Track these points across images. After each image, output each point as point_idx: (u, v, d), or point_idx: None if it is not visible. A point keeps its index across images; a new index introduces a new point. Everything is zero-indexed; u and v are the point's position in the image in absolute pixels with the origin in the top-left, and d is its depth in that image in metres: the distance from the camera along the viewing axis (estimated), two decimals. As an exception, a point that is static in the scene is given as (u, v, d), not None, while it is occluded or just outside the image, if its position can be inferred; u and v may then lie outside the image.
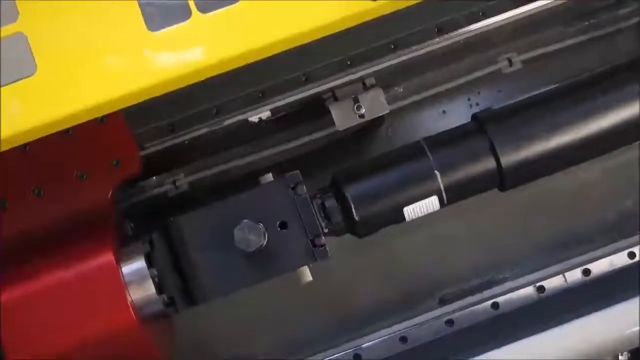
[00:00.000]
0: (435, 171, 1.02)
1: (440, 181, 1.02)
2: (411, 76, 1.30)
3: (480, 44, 1.26)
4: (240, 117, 1.20)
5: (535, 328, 1.08)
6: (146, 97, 0.83)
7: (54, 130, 0.83)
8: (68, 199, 1.05)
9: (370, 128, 1.27)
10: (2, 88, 0.80)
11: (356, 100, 1.17)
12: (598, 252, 1.18)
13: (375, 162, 1.09)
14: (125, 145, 1.07)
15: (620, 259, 1.16)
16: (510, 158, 1.03)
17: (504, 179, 1.04)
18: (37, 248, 1.01)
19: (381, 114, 1.18)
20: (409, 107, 1.31)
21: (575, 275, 1.16)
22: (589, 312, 1.08)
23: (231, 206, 1.00)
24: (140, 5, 0.81)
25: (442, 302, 1.22)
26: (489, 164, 1.03)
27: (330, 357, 1.17)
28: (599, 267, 1.16)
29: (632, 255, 1.16)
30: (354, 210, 1.02)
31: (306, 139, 1.28)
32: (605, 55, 1.29)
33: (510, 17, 1.23)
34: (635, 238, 1.18)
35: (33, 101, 0.81)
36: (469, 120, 1.09)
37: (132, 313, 0.95)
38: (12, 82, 0.80)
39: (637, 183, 1.25)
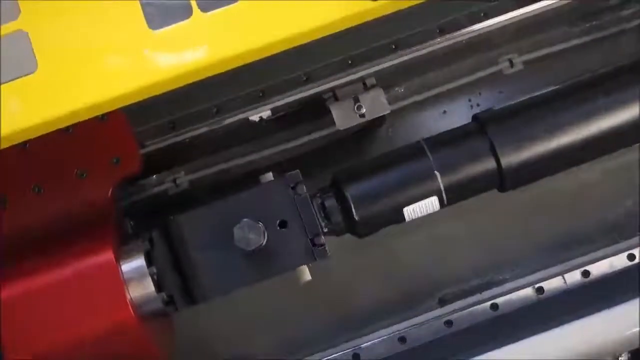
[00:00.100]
0: (436, 171, 1.02)
1: (441, 181, 1.02)
2: (412, 76, 1.30)
3: (482, 44, 1.26)
4: (241, 116, 1.20)
5: (535, 329, 1.08)
6: (147, 96, 0.84)
7: (54, 128, 0.83)
8: (68, 196, 1.05)
9: (370, 128, 1.27)
10: (3, 85, 0.80)
11: (357, 100, 1.18)
12: (598, 254, 1.18)
13: (375, 162, 1.09)
14: (125, 143, 1.07)
15: (619, 261, 1.16)
16: (510, 159, 1.03)
17: (504, 180, 1.04)
18: (37, 246, 1.01)
19: (382, 114, 1.18)
20: (410, 107, 1.31)
21: (574, 277, 1.16)
22: (588, 314, 1.08)
23: (231, 205, 1.00)
24: (141, 4, 0.81)
25: (442, 302, 1.22)
26: (489, 164, 1.03)
27: (329, 357, 1.17)
28: (599, 268, 1.16)
29: (631, 257, 1.16)
30: (354, 210, 1.02)
31: (306, 138, 1.29)
32: (608, 56, 1.29)
33: (512, 17, 1.23)
34: (635, 240, 1.18)
35: (33, 99, 0.81)
36: (470, 120, 1.09)
37: (131, 311, 0.95)
38: (12, 80, 0.80)
39: (637, 184, 1.25)
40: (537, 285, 1.16)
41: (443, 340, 1.14)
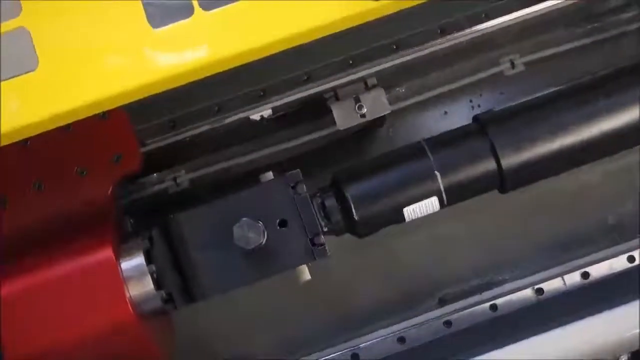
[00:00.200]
0: (436, 172, 1.02)
1: (441, 182, 1.02)
2: (413, 77, 1.30)
3: (483, 45, 1.26)
4: (242, 115, 1.20)
5: (534, 330, 1.08)
6: (148, 94, 0.84)
7: (54, 126, 0.83)
8: (68, 194, 1.05)
9: (371, 128, 1.27)
10: (3, 83, 0.80)
11: (358, 100, 1.18)
12: (597, 255, 1.18)
13: (375, 162, 1.09)
14: (126, 142, 1.07)
15: (619, 263, 1.16)
16: (510, 160, 1.03)
17: (504, 181, 1.04)
18: (36, 243, 1.01)
19: (382, 114, 1.18)
20: (411, 108, 1.31)
21: (574, 278, 1.16)
22: (587, 315, 1.07)
23: (231, 204, 1.00)
24: (142, 2, 0.81)
25: (441, 302, 1.22)
26: (490, 165, 1.03)
27: (328, 357, 1.17)
28: (598, 270, 1.16)
29: (631, 259, 1.16)
30: (353, 210, 1.02)
31: (307, 138, 1.29)
32: (609, 58, 1.29)
33: (513, 19, 1.23)
34: (635, 242, 1.18)
35: (34, 96, 0.81)
36: (470, 121, 1.09)
37: (131, 309, 0.95)
38: (13, 77, 0.80)
39: (637, 186, 1.25)
40: (536, 286, 1.16)
41: (442, 340, 1.14)
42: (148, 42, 0.81)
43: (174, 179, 1.27)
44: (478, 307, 1.16)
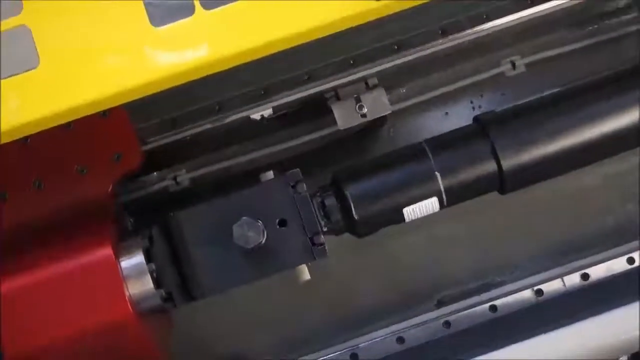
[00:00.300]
0: (436, 172, 1.02)
1: (441, 182, 1.02)
2: (414, 77, 1.30)
3: (484, 46, 1.26)
4: (243, 114, 1.20)
5: (533, 331, 1.08)
6: (148, 93, 0.84)
7: (55, 124, 0.83)
8: (68, 192, 1.05)
9: (372, 128, 1.27)
10: (4, 80, 0.80)
11: (358, 100, 1.18)
12: (597, 257, 1.18)
13: (376, 162, 1.08)
14: (126, 140, 1.08)
15: (619, 264, 1.16)
16: (511, 161, 1.02)
17: (504, 182, 1.04)
18: (36, 240, 1.02)
19: (383, 114, 1.18)
20: (412, 108, 1.30)
21: (573, 280, 1.16)
22: (587, 317, 1.07)
23: (231, 203, 1.00)
24: (144, 1, 0.81)
25: (440, 303, 1.22)
26: (490, 166, 1.03)
27: (327, 357, 1.17)
28: (598, 272, 1.16)
29: (631, 260, 1.16)
30: (353, 210, 1.02)
31: (307, 137, 1.28)
32: (610, 60, 1.29)
33: (514, 20, 1.23)
34: (635, 243, 1.18)
35: (35, 94, 0.81)
36: (471, 122, 1.09)
37: (130, 307, 0.95)
38: (14, 75, 0.80)
39: (637, 188, 1.25)
40: (536, 288, 1.16)
41: (441, 341, 1.14)
42: (149, 40, 0.81)
43: (174, 178, 1.27)
44: (477, 308, 1.16)
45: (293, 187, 1.01)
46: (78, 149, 1.06)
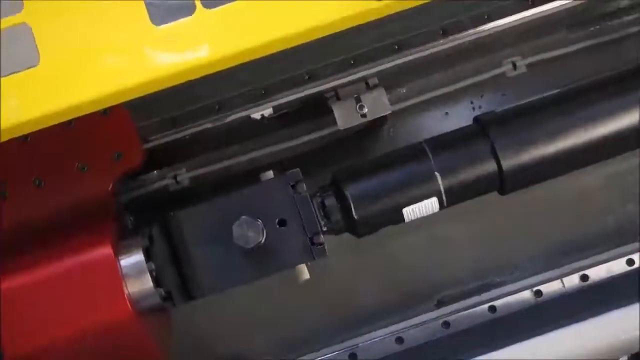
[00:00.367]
0: (436, 173, 1.02)
1: (441, 183, 1.02)
2: (415, 77, 1.30)
3: (485, 46, 1.26)
4: (243, 114, 1.20)
5: (532, 332, 1.08)
6: (149, 91, 0.84)
7: (56, 122, 0.83)
8: (69, 190, 1.05)
9: (372, 128, 1.27)
10: (5, 78, 0.80)
11: (359, 100, 1.18)
12: (597, 258, 1.18)
13: (376, 162, 1.08)
14: (127, 138, 1.08)
15: (618, 266, 1.16)
16: (511, 161, 1.02)
17: (504, 182, 1.04)
18: (36, 239, 1.02)
19: (383, 114, 1.18)
20: (412, 108, 1.30)
21: (573, 281, 1.16)
22: (586, 318, 1.07)
23: (231, 202, 1.00)
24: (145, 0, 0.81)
25: (440, 304, 1.22)
26: (490, 166, 1.03)
27: (326, 357, 1.17)
28: (597, 273, 1.16)
29: (630, 262, 1.16)
30: (353, 210, 1.02)
31: (308, 137, 1.28)
32: (611, 61, 1.29)
33: (516, 20, 1.23)
34: (635, 245, 1.18)
35: (35, 92, 0.81)
36: (471, 122, 1.09)
37: (129, 306, 0.96)
38: (15, 73, 0.80)
39: (638, 189, 1.25)
40: (535, 289, 1.16)
41: (440, 341, 1.14)
42: (150, 39, 0.81)
43: (175, 177, 1.27)
44: (477, 308, 1.16)
45: (293, 186, 1.01)
46: (79, 147, 1.06)
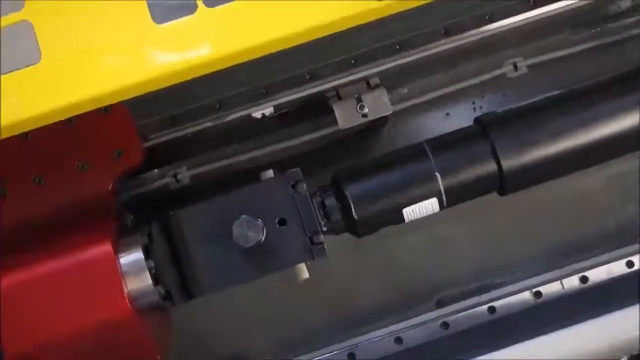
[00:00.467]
0: (436, 173, 1.02)
1: (441, 183, 1.02)
2: (416, 77, 1.30)
3: (486, 47, 1.26)
4: (244, 113, 1.20)
5: (531, 333, 1.08)
6: (150, 90, 0.84)
7: (56, 119, 0.83)
8: (68, 188, 1.05)
9: (372, 128, 1.27)
10: (6, 75, 0.80)
11: (359, 100, 1.17)
12: (596, 260, 1.19)
13: (376, 162, 1.08)
14: (127, 137, 1.08)
15: (618, 268, 1.16)
16: (511, 162, 1.02)
17: (504, 183, 1.04)
18: (36, 237, 1.02)
19: (384, 114, 1.18)
20: (413, 109, 1.30)
21: (572, 282, 1.16)
22: (585, 319, 1.08)
23: (231, 201, 1.00)
24: (146, -2, 0.82)
25: (440, 304, 1.22)
26: (490, 167, 1.03)
27: (325, 356, 1.17)
28: (597, 274, 1.16)
29: (630, 264, 1.16)
30: (353, 209, 1.02)
31: (308, 137, 1.28)
32: (612, 62, 1.29)
33: (517, 21, 1.23)
34: (635, 247, 1.18)
35: (36, 89, 0.81)
36: (472, 123, 1.09)
37: (128, 304, 0.96)
38: (16, 70, 0.80)
39: (638, 190, 1.25)
40: (534, 290, 1.16)
41: (439, 341, 1.14)
42: (151, 38, 0.82)
43: (175, 175, 1.27)
44: (476, 309, 1.16)
45: (293, 186, 1.01)
46: (79, 145, 1.06)
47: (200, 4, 0.81)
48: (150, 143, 1.19)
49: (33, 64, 0.80)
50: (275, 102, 1.19)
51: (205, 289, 1.00)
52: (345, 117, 1.17)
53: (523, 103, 1.12)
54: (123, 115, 1.07)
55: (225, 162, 1.28)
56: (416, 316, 1.19)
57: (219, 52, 0.82)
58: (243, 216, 0.96)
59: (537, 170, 1.04)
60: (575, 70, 1.29)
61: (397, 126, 1.31)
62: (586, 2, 1.23)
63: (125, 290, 0.96)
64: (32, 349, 0.96)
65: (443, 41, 1.22)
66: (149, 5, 0.81)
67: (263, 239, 0.97)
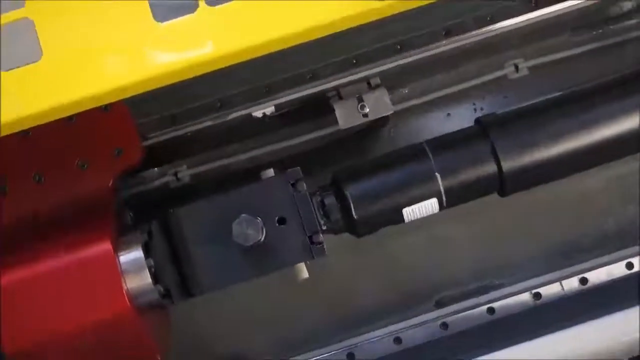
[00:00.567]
0: (436, 173, 1.02)
1: (441, 183, 1.02)
2: (417, 78, 1.30)
3: (488, 48, 1.26)
4: (244, 112, 1.20)
5: (530, 334, 1.08)
6: (151, 88, 0.84)
7: (57, 117, 0.83)
8: (68, 186, 1.05)
9: (373, 128, 1.27)
10: (7, 73, 0.80)
11: (360, 100, 1.17)
12: (596, 262, 1.18)
13: (376, 162, 1.08)
14: (128, 135, 1.08)
15: (618, 269, 1.16)
16: (511, 163, 1.02)
17: (504, 184, 1.04)
18: (36, 234, 1.02)
19: (385, 114, 1.18)
20: (414, 109, 1.30)
21: (572, 284, 1.16)
22: (585, 321, 1.07)
23: (231, 200, 1.00)
24: (148, -4, 0.81)
25: (439, 304, 1.22)
26: (490, 168, 1.03)
27: (324, 356, 1.17)
28: (597, 276, 1.16)
29: (630, 265, 1.16)
30: (353, 209, 1.02)
31: (309, 136, 1.29)
32: (613, 64, 1.29)
33: (519, 22, 1.23)
34: (635, 249, 1.18)
35: (37, 87, 0.81)
36: (473, 124, 1.09)
37: (128, 302, 0.96)
38: (17, 67, 0.80)
39: (638, 192, 1.25)
40: (534, 291, 1.16)
41: (438, 342, 1.14)
42: (152, 36, 0.82)
43: (175, 174, 1.27)
44: (475, 310, 1.16)
45: (293, 185, 1.01)
46: (79, 142, 1.06)
47: (201, 2, 0.81)
48: (150, 141, 1.19)
49: (34, 62, 0.80)
50: (277, 102, 1.19)
51: (204, 287, 0.99)
52: (346, 116, 1.17)
53: (524, 104, 1.12)
54: (123, 113, 1.07)
55: (226, 161, 1.28)
56: (416, 316, 1.19)
57: (220, 51, 0.82)
58: (243, 215, 0.96)
59: (537, 172, 1.04)
60: (576, 72, 1.29)
61: (397, 126, 1.31)
62: (587, 3, 1.23)
63: (125, 289, 0.96)
64: (32, 347, 0.96)
65: (444, 42, 1.22)
66: (150, 4, 0.81)
67: (263, 238, 0.97)
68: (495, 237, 1.27)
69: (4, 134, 0.82)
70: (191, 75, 0.83)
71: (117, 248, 0.97)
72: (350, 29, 0.84)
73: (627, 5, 1.31)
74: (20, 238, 1.01)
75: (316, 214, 1.01)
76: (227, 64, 0.83)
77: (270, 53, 0.84)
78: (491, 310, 1.15)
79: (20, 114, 0.80)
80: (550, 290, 1.16)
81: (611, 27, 1.31)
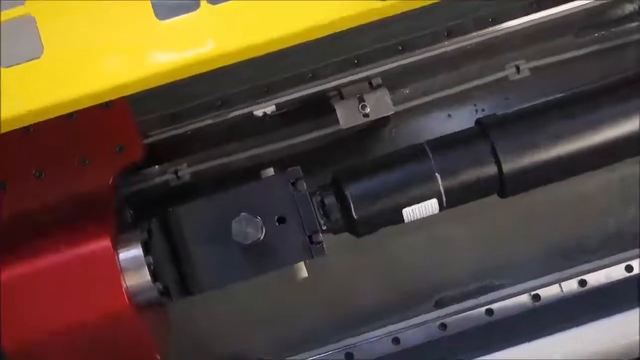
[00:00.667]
0: (436, 174, 1.02)
1: (441, 184, 1.02)
2: (418, 78, 1.30)
3: (489, 49, 1.26)
4: (245, 111, 1.20)
5: (529, 336, 1.08)
6: (152, 85, 0.84)
7: (57, 114, 0.83)
8: (69, 183, 1.05)
9: (374, 128, 1.27)
10: (8, 69, 0.80)
11: (361, 100, 1.17)
12: (596, 264, 1.18)
13: (376, 162, 1.08)
14: (128, 132, 1.08)
15: (617, 272, 1.16)
16: (511, 164, 1.02)
17: (504, 185, 1.04)
18: (36, 231, 1.02)
19: (386, 115, 1.18)
20: (415, 109, 1.31)
21: (571, 286, 1.16)
22: (583, 322, 1.07)
23: (230, 198, 1.00)
24: (149, -6, 0.82)
25: (438, 305, 1.22)
26: (490, 169, 1.03)
27: (323, 355, 1.17)
28: (596, 278, 1.16)
29: (629, 268, 1.16)
30: (353, 209, 1.02)
31: (309, 136, 1.29)
32: (614, 66, 1.29)
33: (520, 24, 1.23)
34: (634, 251, 1.18)
35: (38, 83, 0.81)
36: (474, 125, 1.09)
37: (127, 299, 0.96)
38: (18, 64, 0.80)
39: (638, 195, 1.25)
40: (533, 293, 1.16)
41: (437, 342, 1.14)
42: (154, 34, 0.82)
43: (176, 172, 1.27)
44: (474, 311, 1.16)
45: (293, 184, 1.00)
46: (80, 139, 1.06)
47: (203, 1, 0.81)
48: (151, 139, 1.19)
49: (35, 58, 0.80)
50: (278, 101, 1.19)
51: (203, 286, 0.99)
52: (347, 116, 1.17)
53: (525, 105, 1.12)
54: (124, 110, 1.07)
55: (226, 159, 1.28)
56: (415, 316, 1.19)
57: (221, 49, 0.82)
58: (242, 214, 0.96)
59: (538, 173, 1.04)
60: (577, 73, 1.29)
61: (398, 127, 1.31)
62: (588, 5, 1.23)
63: (124, 286, 0.96)
64: (31, 345, 0.96)
65: (446, 42, 1.22)
66: (152, 2, 0.81)
67: (262, 236, 0.96)
68: (495, 238, 1.27)
69: (4, 130, 0.82)
70: (192, 74, 0.83)
71: (117, 245, 0.97)
72: (352, 28, 0.84)
73: (629, 8, 1.31)
74: (20, 234, 1.01)
75: (316, 214, 1.01)
76: (228, 63, 0.83)
77: (271, 52, 0.84)
78: (490, 312, 1.15)
79: (20, 110, 0.81)
80: (549, 292, 1.16)
81: (612, 29, 1.31)
